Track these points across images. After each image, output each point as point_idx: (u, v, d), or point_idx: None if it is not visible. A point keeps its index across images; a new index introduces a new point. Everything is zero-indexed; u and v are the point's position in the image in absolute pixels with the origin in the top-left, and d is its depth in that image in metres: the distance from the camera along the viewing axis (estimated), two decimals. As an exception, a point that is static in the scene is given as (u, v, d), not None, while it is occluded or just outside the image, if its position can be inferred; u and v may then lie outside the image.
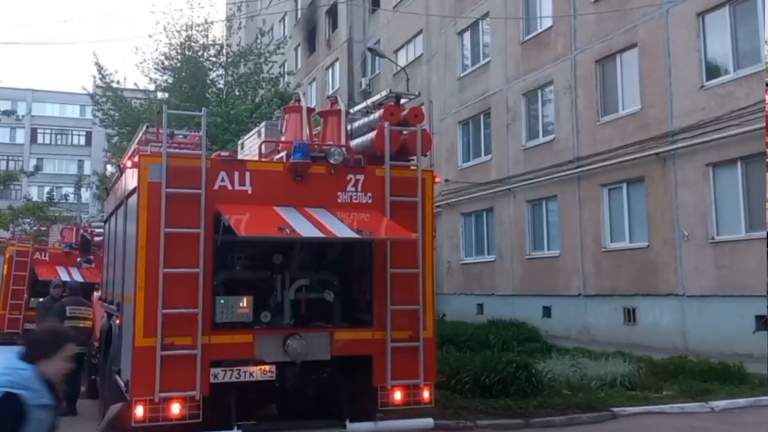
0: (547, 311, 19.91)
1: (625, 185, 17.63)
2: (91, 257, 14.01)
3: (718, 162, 15.05)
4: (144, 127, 8.90)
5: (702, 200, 15.25)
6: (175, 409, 6.09)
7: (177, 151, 7.54)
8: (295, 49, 41.46)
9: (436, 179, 7.50)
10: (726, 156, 14.80)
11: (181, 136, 9.33)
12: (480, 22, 24.25)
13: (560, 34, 20.01)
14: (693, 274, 15.31)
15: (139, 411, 6.02)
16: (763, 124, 13.71)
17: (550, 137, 20.29)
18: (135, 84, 26.09)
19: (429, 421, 7.03)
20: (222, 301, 6.55)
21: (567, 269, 19.30)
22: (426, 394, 6.90)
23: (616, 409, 9.45)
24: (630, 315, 17.04)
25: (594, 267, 18.33)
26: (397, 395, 6.78)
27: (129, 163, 7.41)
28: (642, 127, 16.86)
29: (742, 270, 14.19)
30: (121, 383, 6.69)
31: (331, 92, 34.57)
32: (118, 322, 7.50)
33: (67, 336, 3.59)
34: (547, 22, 20.70)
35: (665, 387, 10.74)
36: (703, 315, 14.99)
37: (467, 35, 25.21)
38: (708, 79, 15.33)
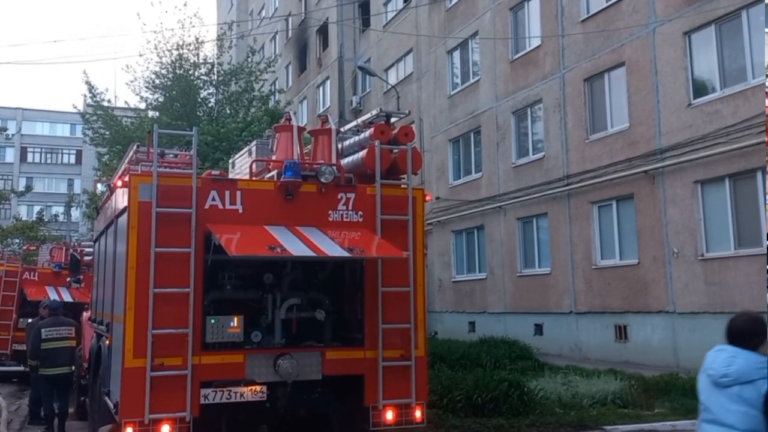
0: (538, 329, 19.91)
1: (614, 202, 17.73)
2: (81, 277, 13.92)
3: (706, 179, 15.17)
4: (134, 147, 8.90)
5: (691, 217, 15.34)
6: (165, 430, 6.03)
7: (167, 170, 7.53)
8: (286, 68, 41.65)
9: (427, 197, 7.52)
10: (714, 173, 14.92)
11: (171, 156, 9.33)
12: (469, 41, 24.46)
13: (548, 53, 20.21)
14: (683, 291, 15.37)
15: (129, 433, 5.97)
16: (750, 142, 13.86)
17: (540, 155, 20.42)
18: (126, 102, 26.17)
19: (421, 441, 6.99)
20: (212, 321, 6.51)
21: (558, 287, 19.33)
22: (418, 414, 6.87)
23: (608, 428, 9.44)
24: (621, 332, 17.06)
25: (585, 284, 18.37)
26: (389, 415, 6.74)
27: (119, 183, 7.40)
28: (630, 145, 17.00)
29: (732, 287, 14.25)
30: (111, 405, 6.63)
31: (321, 110, 34.70)
32: (107, 342, 7.44)
33: (761, 316, 4.02)
34: (535, 41, 20.90)
35: (657, 404, 10.74)
36: (693, 332, 15.02)
37: (457, 54, 25.41)
38: (695, 97, 15.48)
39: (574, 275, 18.69)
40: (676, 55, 15.86)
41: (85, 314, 11.43)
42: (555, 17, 19.92)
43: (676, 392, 11.27)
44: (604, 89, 18.26)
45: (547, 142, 20.10)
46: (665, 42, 16.16)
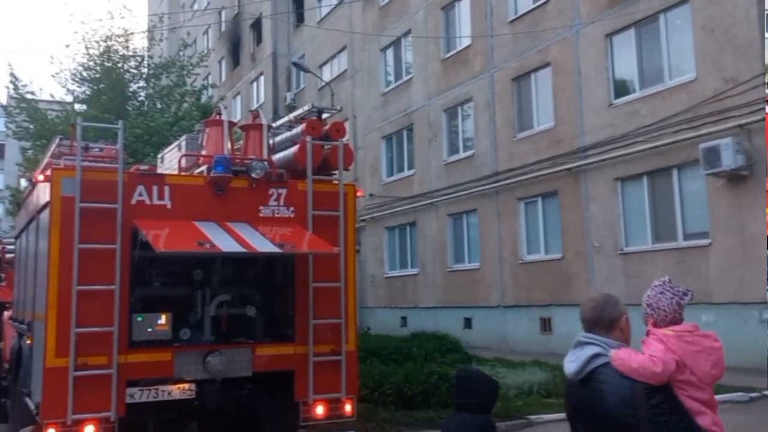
0: (468, 323, 20.31)
1: (540, 199, 18.26)
2: (2, 275, 13.38)
3: (625, 177, 15.80)
4: (57, 140, 8.64)
5: (611, 213, 15.97)
6: (89, 431, 5.93)
7: (92, 164, 7.37)
8: (219, 62, 40.99)
9: (359, 193, 7.60)
10: (633, 171, 15.56)
11: (96, 149, 9.10)
12: (402, 39, 24.69)
13: (478, 53, 20.61)
14: (604, 284, 15.94)
15: (51, 434, 5.84)
16: (666, 141, 14.54)
17: (470, 152, 20.82)
18: (51, 95, 25.15)
19: (351, 435, 7.09)
20: (139, 319, 6.42)
21: (486, 281, 19.78)
22: (348, 408, 6.95)
23: (532, 417, 9.71)
24: (546, 325, 17.61)
25: (512, 278, 18.86)
26: (319, 410, 6.80)
27: (41, 177, 7.19)
28: (555, 143, 17.54)
29: (649, 280, 14.57)
30: (32, 406, 6.45)
31: (255, 106, 34.32)
32: (28, 342, 7.24)
33: None
34: (466, 41, 21.28)
35: (579, 393, 11.12)
36: (614, 323, 15.61)
37: (390, 52, 25.60)
38: (616, 98, 16.10)
39: (502, 270, 19.16)
40: (599, 57, 16.46)
41: (6, 313, 11.03)
42: (484, 17, 20.32)
43: (598, 381, 11.70)
44: (531, 89, 18.77)
45: (477, 140, 20.51)
46: (588, 43, 16.74)
